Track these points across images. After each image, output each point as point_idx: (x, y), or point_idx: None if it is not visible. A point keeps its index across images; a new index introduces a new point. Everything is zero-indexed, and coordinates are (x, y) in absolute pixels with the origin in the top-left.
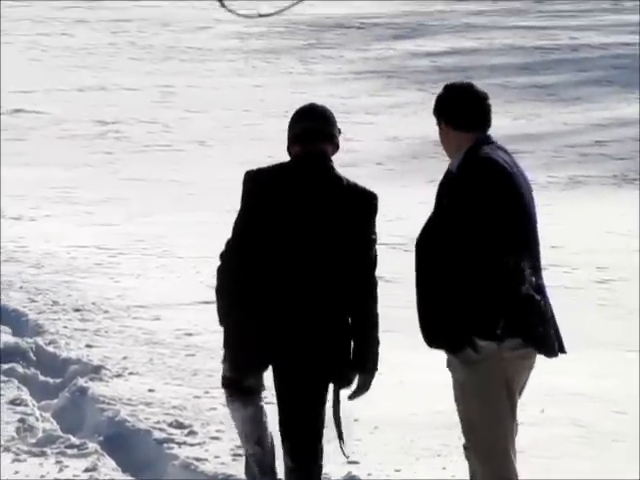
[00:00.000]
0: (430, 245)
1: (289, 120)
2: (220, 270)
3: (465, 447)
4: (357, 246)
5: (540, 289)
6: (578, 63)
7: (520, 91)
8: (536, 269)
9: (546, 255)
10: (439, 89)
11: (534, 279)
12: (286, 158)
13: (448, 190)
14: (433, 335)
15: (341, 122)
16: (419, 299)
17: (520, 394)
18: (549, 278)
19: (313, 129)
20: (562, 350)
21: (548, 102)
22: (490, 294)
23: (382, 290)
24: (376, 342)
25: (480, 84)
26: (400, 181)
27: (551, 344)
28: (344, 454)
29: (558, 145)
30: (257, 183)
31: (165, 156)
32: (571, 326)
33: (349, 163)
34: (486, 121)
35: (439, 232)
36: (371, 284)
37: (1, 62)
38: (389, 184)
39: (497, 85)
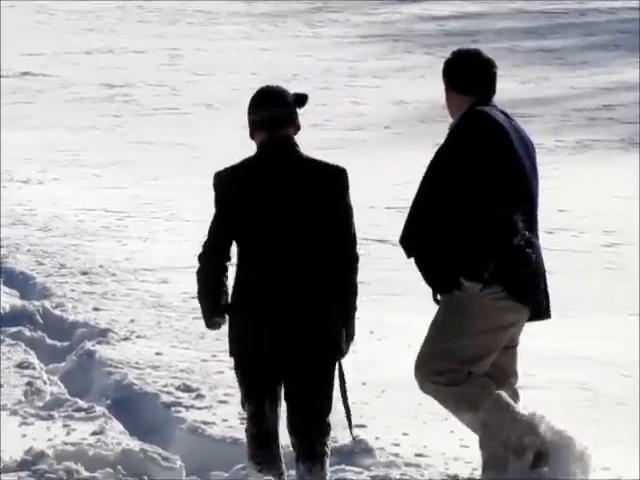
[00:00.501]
0: (425, 199)
1: (249, 104)
2: (200, 272)
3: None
4: (334, 223)
5: (533, 246)
6: (585, 27)
7: (527, 55)
8: (531, 226)
9: (554, 219)
10: (446, 53)
11: (527, 233)
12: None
13: (443, 145)
14: (425, 275)
15: (348, 86)
16: (416, 245)
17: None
18: (557, 242)
19: (278, 115)
20: (548, 314)
21: (555, 66)
22: (481, 240)
23: (388, 253)
24: (355, 310)
25: (487, 48)
26: (407, 145)
27: (539, 300)
28: (352, 437)
29: (566, 109)
30: (228, 181)
31: (173, 119)
32: (578, 289)
33: (356, 127)
34: (489, 86)
35: (433, 184)
36: (352, 257)
37: (7, 25)
38: (396, 148)
39: (504, 49)
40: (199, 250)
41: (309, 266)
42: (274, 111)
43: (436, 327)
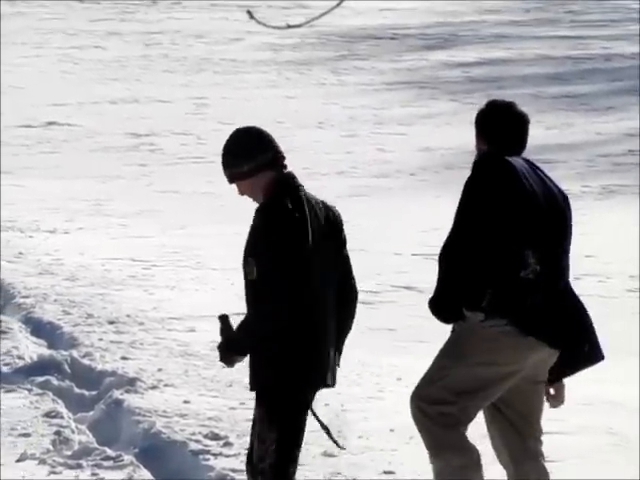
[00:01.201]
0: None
1: (243, 149)
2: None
3: None
4: (346, 260)
5: (547, 283)
6: (610, 73)
7: (552, 101)
8: (551, 268)
9: (580, 264)
10: (471, 99)
11: (538, 268)
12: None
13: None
14: (434, 309)
15: (373, 133)
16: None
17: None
18: (583, 287)
19: (280, 153)
20: (598, 359)
21: (581, 112)
22: (483, 271)
23: (416, 300)
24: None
25: (512, 94)
26: (433, 191)
27: (543, 331)
28: (338, 445)
29: (591, 155)
30: (298, 226)
31: (199, 168)
32: (605, 335)
33: (382, 174)
34: (520, 141)
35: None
36: (357, 293)
37: (32, 75)
38: (422, 195)
39: (529, 95)
40: (226, 298)
41: (336, 299)
42: (278, 148)
43: (438, 355)
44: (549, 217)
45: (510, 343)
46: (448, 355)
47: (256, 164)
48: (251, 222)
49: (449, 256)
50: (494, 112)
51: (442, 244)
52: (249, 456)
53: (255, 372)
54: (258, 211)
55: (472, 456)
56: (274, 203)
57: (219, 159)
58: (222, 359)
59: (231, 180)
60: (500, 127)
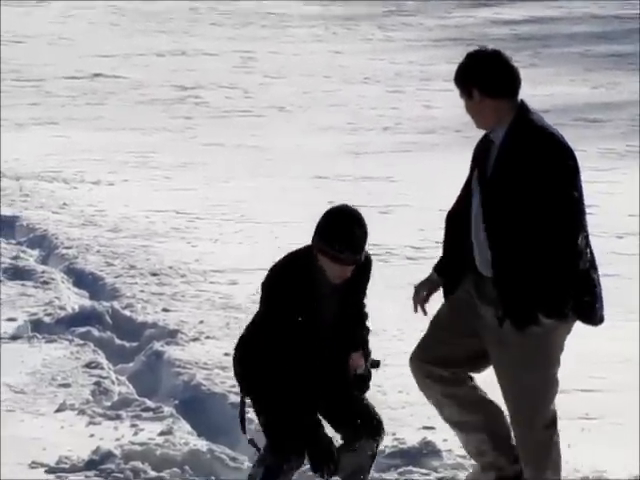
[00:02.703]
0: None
1: (332, 230)
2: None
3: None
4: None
5: (593, 262)
6: None
7: (599, 60)
8: (587, 238)
9: (623, 223)
10: (518, 57)
11: (588, 250)
12: None
13: (502, 167)
14: (505, 304)
15: (419, 89)
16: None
17: None
18: (625, 247)
19: (358, 260)
20: (602, 320)
21: (627, 71)
22: (558, 272)
23: None
24: None
25: (559, 52)
26: None
27: (597, 318)
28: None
29: (636, 114)
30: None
31: (244, 121)
32: None
33: (427, 130)
34: (519, 86)
35: (493, 206)
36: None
37: (80, 27)
38: (467, 151)
39: (576, 53)
40: (269, 252)
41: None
42: (358, 258)
43: (524, 369)
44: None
45: (569, 329)
46: (537, 368)
47: (330, 254)
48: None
49: (527, 252)
50: (488, 61)
51: (508, 230)
52: None
53: None
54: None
55: None
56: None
57: (265, 112)
58: None
59: None
60: (504, 76)
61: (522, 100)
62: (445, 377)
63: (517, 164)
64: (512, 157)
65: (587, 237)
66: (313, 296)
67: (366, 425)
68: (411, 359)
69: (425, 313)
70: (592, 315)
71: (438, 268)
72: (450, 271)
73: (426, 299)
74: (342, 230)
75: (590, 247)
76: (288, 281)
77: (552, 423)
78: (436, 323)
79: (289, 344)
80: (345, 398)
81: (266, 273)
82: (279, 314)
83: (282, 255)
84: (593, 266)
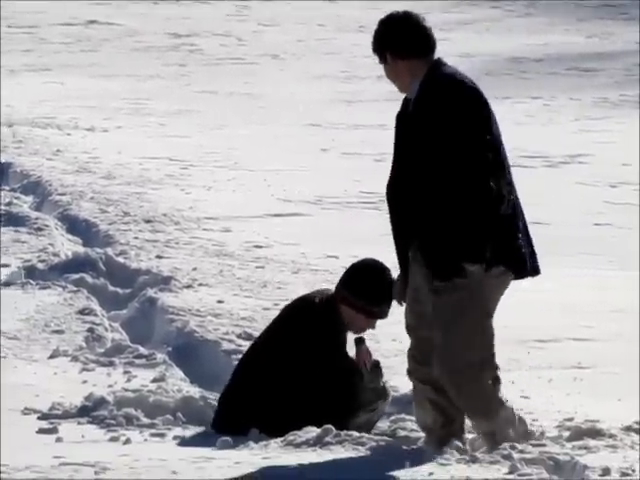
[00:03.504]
0: (407, 184)
1: (371, 288)
2: None
3: (409, 372)
4: None
5: (517, 210)
6: None
7: (593, 10)
8: (511, 185)
9: (617, 173)
10: (513, 7)
11: (511, 197)
12: None
13: (415, 120)
14: (426, 259)
15: None
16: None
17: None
18: (619, 196)
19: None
20: (537, 271)
21: (621, 21)
22: (476, 219)
23: None
24: None
25: (553, 3)
26: None
27: (527, 267)
28: None
29: (630, 64)
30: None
31: (238, 69)
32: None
33: None
34: (433, 44)
35: (415, 165)
36: None
37: None
38: None
39: (570, 3)
40: (262, 200)
41: None
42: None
43: (453, 318)
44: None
45: (506, 282)
46: (467, 314)
47: (365, 309)
48: None
49: (439, 203)
50: (396, 24)
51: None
52: None
53: None
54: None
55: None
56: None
57: (259, 60)
58: None
59: None
60: (409, 35)
61: (438, 58)
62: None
63: (428, 115)
64: (423, 109)
65: (510, 184)
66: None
67: (383, 389)
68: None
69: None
70: (520, 265)
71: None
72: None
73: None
74: (381, 287)
75: (515, 195)
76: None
77: (479, 366)
78: (408, 326)
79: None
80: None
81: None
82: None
83: (274, 202)
84: (517, 214)
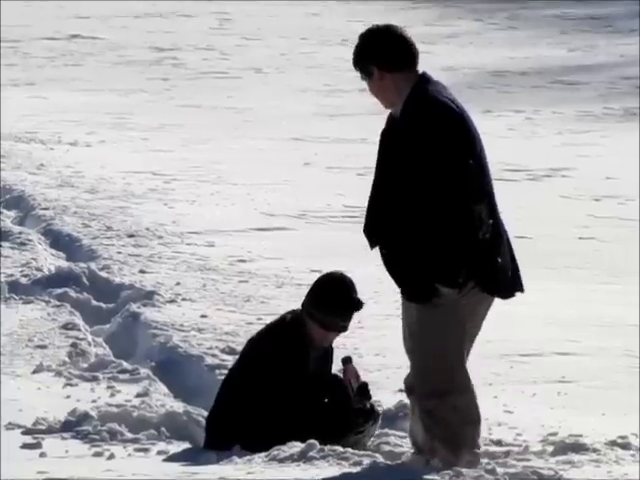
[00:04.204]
0: (387, 201)
1: (329, 299)
2: None
3: (409, 390)
4: None
5: (498, 229)
6: None
7: (576, 22)
8: (492, 207)
9: (600, 186)
10: (495, 20)
11: (490, 221)
12: None
13: (398, 141)
14: (400, 285)
15: None
16: (386, 254)
17: (478, 330)
18: (602, 209)
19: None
20: (520, 289)
21: (604, 34)
22: (452, 242)
23: None
24: None
25: (536, 15)
26: None
27: (507, 289)
28: None
29: (614, 77)
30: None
31: (221, 83)
32: (622, 257)
33: None
34: (417, 56)
35: (396, 185)
36: None
37: None
38: None
39: (553, 16)
40: (246, 214)
41: None
42: (348, 323)
43: (423, 340)
44: (485, 155)
45: (479, 300)
46: (436, 339)
47: (325, 321)
48: None
49: (414, 225)
50: (381, 37)
51: (383, 183)
52: None
53: None
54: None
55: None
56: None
57: (242, 74)
58: None
59: None
60: (395, 47)
61: (424, 72)
62: None
63: (411, 138)
64: (406, 131)
65: (492, 206)
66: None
67: (371, 410)
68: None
69: None
70: (496, 287)
71: None
72: None
73: None
74: (346, 299)
75: (497, 215)
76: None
77: (437, 396)
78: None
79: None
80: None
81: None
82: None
83: (257, 216)
84: (499, 235)
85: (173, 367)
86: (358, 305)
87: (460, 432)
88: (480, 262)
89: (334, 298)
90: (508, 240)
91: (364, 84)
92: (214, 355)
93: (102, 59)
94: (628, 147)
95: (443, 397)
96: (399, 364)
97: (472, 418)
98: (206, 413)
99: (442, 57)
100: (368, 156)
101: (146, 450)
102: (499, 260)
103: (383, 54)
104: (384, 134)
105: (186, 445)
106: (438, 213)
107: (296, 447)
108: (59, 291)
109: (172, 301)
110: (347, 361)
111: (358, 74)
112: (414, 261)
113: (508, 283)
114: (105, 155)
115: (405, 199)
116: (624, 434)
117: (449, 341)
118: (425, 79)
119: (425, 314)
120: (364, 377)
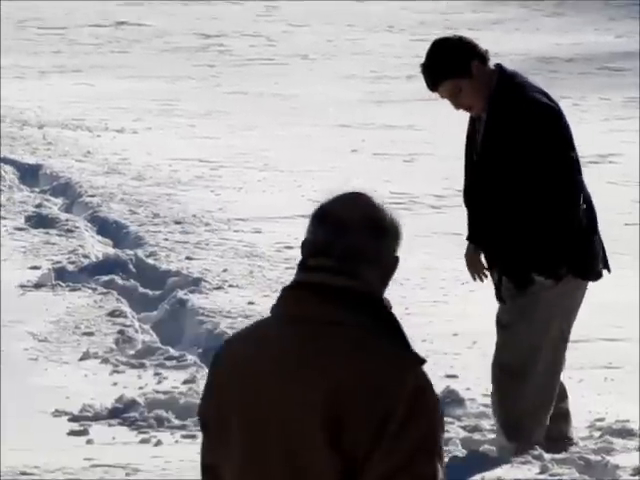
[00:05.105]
0: (488, 192)
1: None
2: None
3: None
4: None
5: (592, 219)
6: None
7: (622, 9)
8: (587, 196)
9: None
10: (541, 7)
11: (584, 205)
12: None
13: (488, 139)
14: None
15: None
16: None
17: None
18: None
19: None
20: (608, 269)
21: None
22: (552, 233)
23: None
24: None
25: (582, 3)
26: None
27: (592, 274)
28: None
29: None
30: None
31: (267, 70)
32: None
33: None
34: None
35: (494, 177)
36: None
37: None
38: None
39: (600, 2)
40: (292, 200)
41: None
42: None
43: (522, 321)
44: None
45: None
46: (529, 320)
47: None
48: None
49: (520, 217)
50: (461, 41)
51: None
52: None
53: None
54: None
55: None
56: None
57: (288, 61)
58: None
59: None
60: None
61: (499, 65)
62: None
63: (505, 138)
64: (499, 132)
65: (586, 195)
66: None
67: None
68: None
69: (485, 277)
70: (587, 273)
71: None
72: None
73: (479, 266)
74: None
75: (589, 203)
76: None
77: (547, 373)
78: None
79: None
80: None
81: None
82: None
83: (304, 203)
84: (591, 223)
85: None
86: None
87: (520, 422)
88: (578, 252)
89: None
90: (596, 219)
91: (410, 70)
92: None
93: (148, 46)
94: None
95: (525, 378)
96: (446, 350)
97: (543, 409)
98: None
99: (488, 43)
100: (414, 143)
101: (193, 437)
102: (595, 244)
103: (475, 46)
104: (470, 134)
105: None
106: (544, 206)
107: None
108: (106, 278)
109: (219, 288)
110: None
111: (404, 59)
112: (517, 248)
113: (599, 266)
114: (152, 142)
115: (513, 192)
116: None
117: (552, 324)
118: (505, 73)
119: (528, 300)
120: None
